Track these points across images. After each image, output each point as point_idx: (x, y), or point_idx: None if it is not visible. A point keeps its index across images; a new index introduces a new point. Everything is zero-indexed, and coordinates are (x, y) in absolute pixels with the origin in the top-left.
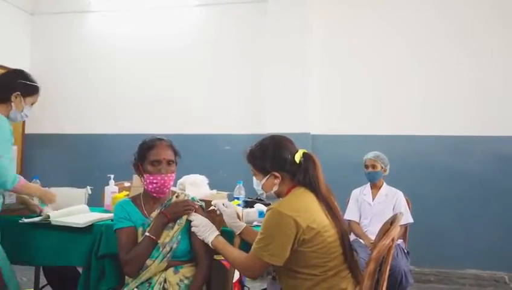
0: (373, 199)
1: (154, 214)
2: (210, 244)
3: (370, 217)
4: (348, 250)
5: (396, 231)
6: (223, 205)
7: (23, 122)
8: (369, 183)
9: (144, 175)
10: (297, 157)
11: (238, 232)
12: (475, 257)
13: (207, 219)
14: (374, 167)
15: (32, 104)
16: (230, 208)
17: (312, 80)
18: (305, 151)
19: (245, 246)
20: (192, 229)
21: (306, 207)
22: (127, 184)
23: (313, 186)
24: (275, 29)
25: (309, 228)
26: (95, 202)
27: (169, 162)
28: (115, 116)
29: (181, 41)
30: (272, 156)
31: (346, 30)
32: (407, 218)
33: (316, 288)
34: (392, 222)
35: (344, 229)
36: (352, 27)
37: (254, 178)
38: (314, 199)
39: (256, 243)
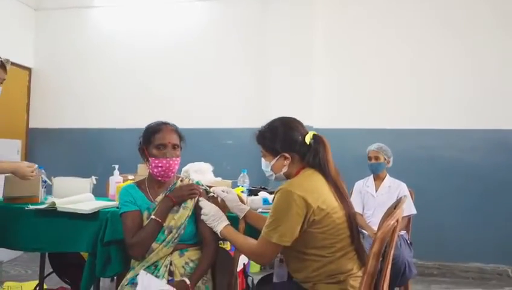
0: (376, 191)
1: (159, 198)
2: (219, 234)
3: (373, 208)
4: (355, 232)
5: (400, 213)
6: (223, 191)
7: (27, 116)
8: (372, 175)
9: (149, 159)
10: (308, 139)
11: (242, 215)
12: (478, 250)
13: (217, 207)
14: (376, 158)
15: None
16: (231, 194)
17: (315, 74)
18: (315, 133)
19: (250, 230)
20: (202, 217)
21: (316, 188)
22: (130, 177)
23: (322, 168)
24: (278, 24)
25: (319, 209)
26: (99, 194)
27: (174, 146)
28: (118, 111)
29: (184, 37)
30: (282, 137)
31: (349, 25)
32: (410, 209)
33: (323, 269)
34: (396, 205)
35: (352, 211)
36: (355, 22)
37: (263, 159)
38: (323, 181)
39: (266, 227)
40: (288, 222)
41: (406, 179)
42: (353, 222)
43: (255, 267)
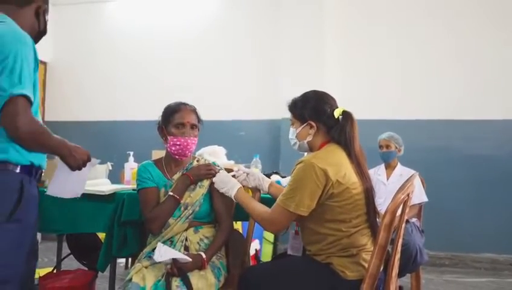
0: (387, 179)
1: (176, 176)
2: (233, 198)
3: (384, 196)
4: (371, 210)
5: (412, 187)
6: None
7: (43, 110)
8: (383, 164)
9: (168, 137)
10: (337, 113)
11: (267, 185)
12: (491, 240)
13: (229, 175)
14: (388, 146)
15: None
16: (253, 171)
17: (327, 65)
18: (345, 109)
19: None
20: (215, 185)
21: (338, 163)
22: None
23: (346, 144)
24: (290, 14)
25: (338, 183)
26: (113, 183)
27: (192, 126)
28: (131, 104)
29: (196, 29)
30: (312, 106)
31: (363, 14)
32: (421, 197)
33: (338, 243)
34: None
35: (371, 190)
36: (368, 13)
37: (291, 128)
38: (345, 157)
39: (283, 195)
40: (306, 191)
41: (418, 169)
42: (371, 200)
43: (267, 256)
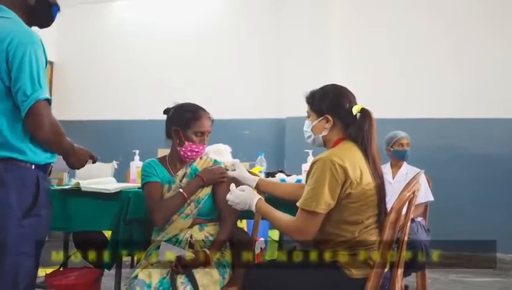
0: (393, 178)
1: (180, 173)
2: (254, 211)
3: (390, 195)
4: (382, 212)
5: (417, 185)
6: (232, 165)
7: None
8: (389, 162)
9: (185, 142)
10: (355, 110)
11: (254, 184)
12: (497, 240)
13: (243, 193)
14: (408, 144)
15: None
16: (238, 169)
17: (332, 65)
18: (364, 107)
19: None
20: (229, 202)
21: (355, 162)
22: None
23: (363, 144)
24: (294, 14)
25: (356, 183)
26: (119, 181)
27: (208, 134)
28: (137, 103)
29: (201, 29)
30: (331, 99)
31: (366, 13)
32: (427, 196)
33: (346, 242)
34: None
35: (383, 192)
36: (371, 13)
37: (306, 121)
38: (361, 156)
39: (303, 197)
40: (326, 187)
41: (422, 168)
42: (383, 201)
43: (271, 256)
